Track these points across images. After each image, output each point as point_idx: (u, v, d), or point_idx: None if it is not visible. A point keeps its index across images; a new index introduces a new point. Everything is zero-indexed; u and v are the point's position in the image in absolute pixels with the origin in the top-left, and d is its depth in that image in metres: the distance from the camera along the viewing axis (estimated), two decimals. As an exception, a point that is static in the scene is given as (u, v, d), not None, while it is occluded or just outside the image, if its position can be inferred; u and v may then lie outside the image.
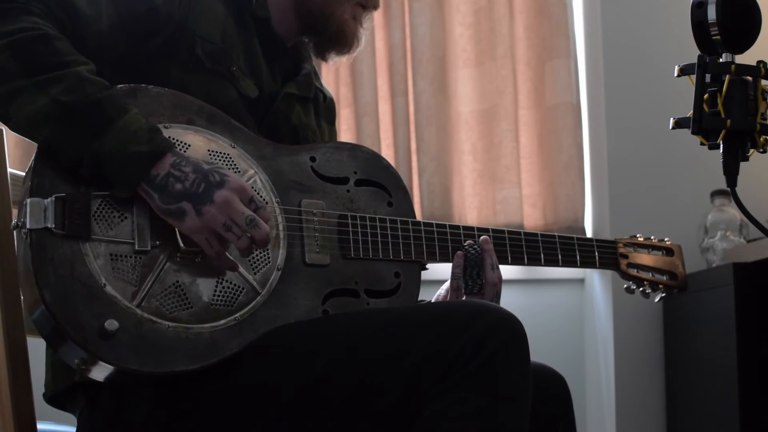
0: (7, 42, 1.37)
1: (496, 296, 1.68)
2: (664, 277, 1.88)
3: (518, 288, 3.15)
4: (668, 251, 1.90)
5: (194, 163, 1.40)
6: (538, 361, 1.56)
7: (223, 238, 1.39)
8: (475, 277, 1.67)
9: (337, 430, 1.39)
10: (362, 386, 1.37)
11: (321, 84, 1.80)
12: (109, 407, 1.46)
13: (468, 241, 1.68)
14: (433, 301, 1.75)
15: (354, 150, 1.65)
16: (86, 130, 1.37)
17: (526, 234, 1.73)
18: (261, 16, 1.64)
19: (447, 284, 1.74)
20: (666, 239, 1.92)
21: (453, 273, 1.68)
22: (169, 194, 1.38)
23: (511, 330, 1.36)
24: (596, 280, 3.21)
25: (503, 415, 1.33)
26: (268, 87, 1.64)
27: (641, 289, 1.88)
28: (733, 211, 3.07)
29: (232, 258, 1.42)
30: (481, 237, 1.68)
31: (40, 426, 1.54)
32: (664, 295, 1.88)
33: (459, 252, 1.67)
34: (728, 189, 1.41)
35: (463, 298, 1.67)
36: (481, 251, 1.67)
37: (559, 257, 1.77)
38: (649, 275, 1.87)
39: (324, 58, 1.74)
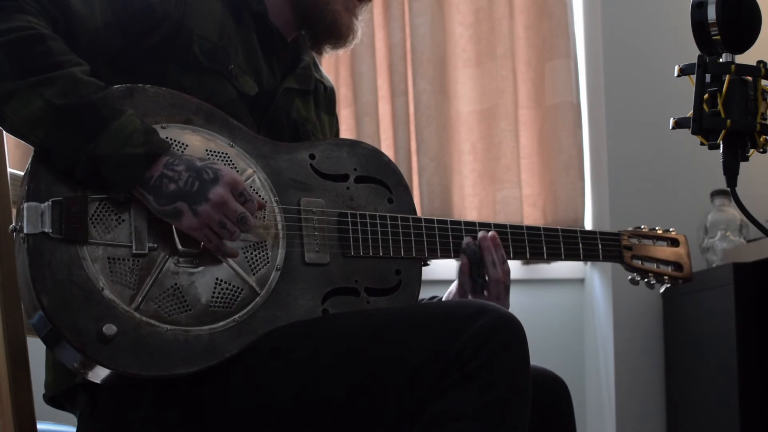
0: (0, 42, 1.36)
1: (505, 292, 1.66)
2: (669, 268, 1.85)
3: (518, 288, 3.14)
4: (673, 242, 1.87)
5: (187, 161, 1.40)
6: (538, 361, 1.56)
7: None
8: (475, 276, 1.65)
9: (338, 431, 1.39)
10: (362, 386, 1.37)
11: (321, 74, 1.79)
12: (109, 408, 1.46)
13: (466, 239, 1.66)
14: (444, 298, 1.75)
15: (354, 146, 1.64)
16: (81, 132, 1.36)
17: (528, 228, 1.72)
18: (257, 11, 1.64)
19: (457, 281, 1.74)
20: (671, 229, 1.89)
21: (458, 273, 1.67)
22: (164, 195, 1.38)
23: (511, 330, 1.36)
24: (596, 280, 3.21)
25: (503, 415, 1.33)
26: (268, 83, 1.63)
27: (645, 280, 1.85)
28: (733, 211, 3.06)
29: (231, 247, 1.43)
30: (479, 234, 1.67)
31: (40, 426, 1.54)
32: (668, 285, 1.86)
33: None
34: (728, 189, 1.41)
35: (469, 297, 1.66)
36: (479, 249, 1.66)
37: (562, 250, 1.75)
38: (653, 266, 1.85)
39: (319, 52, 1.72)
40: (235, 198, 1.41)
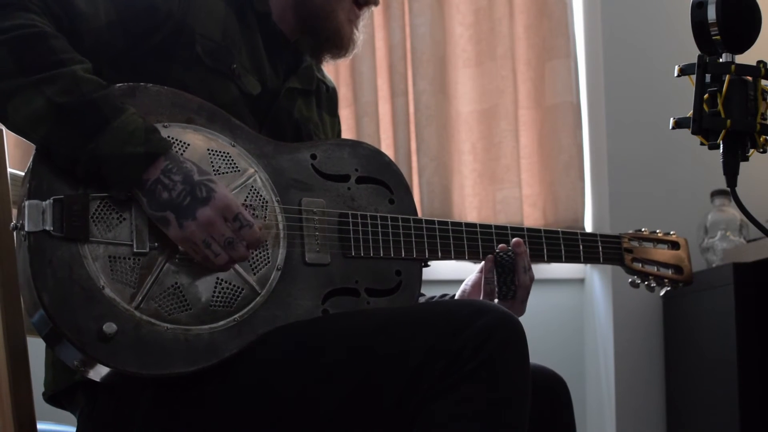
0: (3, 39, 1.36)
1: (527, 296, 1.67)
2: (670, 271, 1.85)
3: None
4: (674, 244, 1.87)
5: (185, 172, 1.39)
6: (538, 361, 1.56)
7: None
8: (509, 283, 1.65)
9: (338, 431, 1.39)
10: (362, 386, 1.37)
11: (323, 75, 1.79)
12: (109, 407, 1.46)
13: (501, 245, 1.67)
14: (458, 296, 1.75)
15: (355, 147, 1.64)
16: (82, 131, 1.36)
17: (528, 230, 1.73)
18: (261, 12, 1.64)
19: (472, 279, 1.74)
20: (672, 232, 1.89)
21: (485, 278, 1.67)
22: (156, 201, 1.38)
23: (511, 329, 1.36)
24: (596, 280, 3.21)
25: (503, 415, 1.33)
26: (271, 83, 1.63)
27: (646, 283, 1.85)
28: (733, 211, 3.06)
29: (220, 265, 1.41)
30: (514, 239, 1.67)
31: (40, 426, 1.54)
32: (669, 288, 1.87)
33: (489, 256, 1.67)
34: (728, 189, 1.41)
35: (495, 301, 1.66)
36: (514, 257, 1.65)
37: (563, 253, 1.75)
38: (654, 269, 1.85)
39: (319, 61, 1.73)
40: (228, 222, 1.40)
